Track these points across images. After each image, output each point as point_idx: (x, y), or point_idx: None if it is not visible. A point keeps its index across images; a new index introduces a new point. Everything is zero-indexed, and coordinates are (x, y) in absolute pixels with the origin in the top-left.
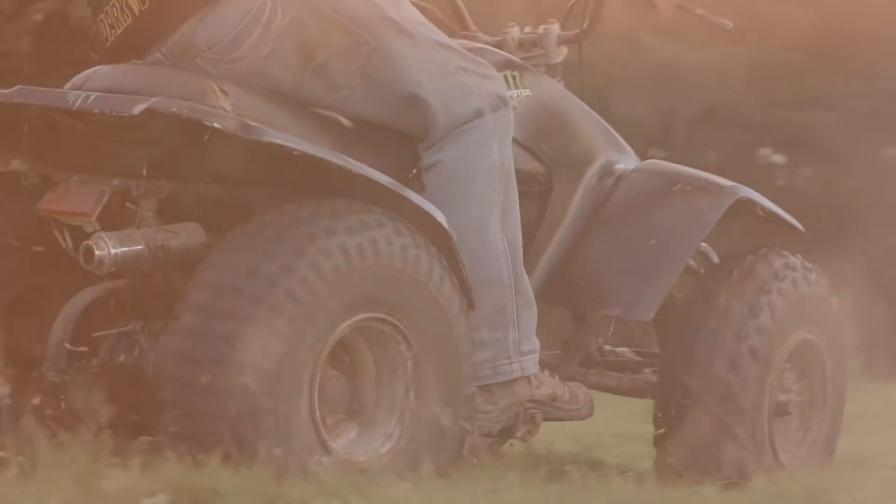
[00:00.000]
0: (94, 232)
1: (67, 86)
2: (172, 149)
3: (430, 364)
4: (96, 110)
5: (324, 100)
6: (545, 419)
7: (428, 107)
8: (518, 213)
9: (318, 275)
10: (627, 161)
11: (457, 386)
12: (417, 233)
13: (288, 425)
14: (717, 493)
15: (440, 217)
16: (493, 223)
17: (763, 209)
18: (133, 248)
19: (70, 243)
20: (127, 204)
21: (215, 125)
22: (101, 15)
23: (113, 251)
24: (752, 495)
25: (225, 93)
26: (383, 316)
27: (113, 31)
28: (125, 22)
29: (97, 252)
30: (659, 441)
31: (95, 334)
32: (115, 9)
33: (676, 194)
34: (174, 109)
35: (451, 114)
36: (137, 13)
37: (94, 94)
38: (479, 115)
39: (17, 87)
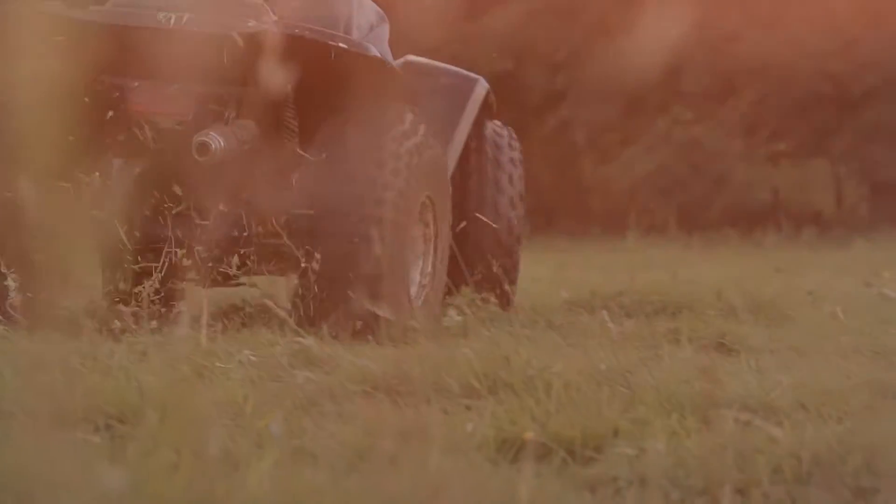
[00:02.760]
0: (178, 126)
1: (105, 10)
2: (235, 61)
3: (443, 232)
4: (195, 29)
5: None
6: None
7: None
8: None
9: (407, 165)
10: None
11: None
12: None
13: (403, 272)
14: None
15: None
16: None
17: (490, 96)
18: (228, 141)
19: (150, 136)
20: (212, 106)
21: (340, 45)
22: None
23: (221, 145)
24: None
25: (273, 12)
26: (430, 194)
27: None
28: None
29: (212, 145)
30: None
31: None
32: None
33: (447, 84)
34: (297, 32)
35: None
36: None
37: (185, 15)
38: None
39: (102, 7)
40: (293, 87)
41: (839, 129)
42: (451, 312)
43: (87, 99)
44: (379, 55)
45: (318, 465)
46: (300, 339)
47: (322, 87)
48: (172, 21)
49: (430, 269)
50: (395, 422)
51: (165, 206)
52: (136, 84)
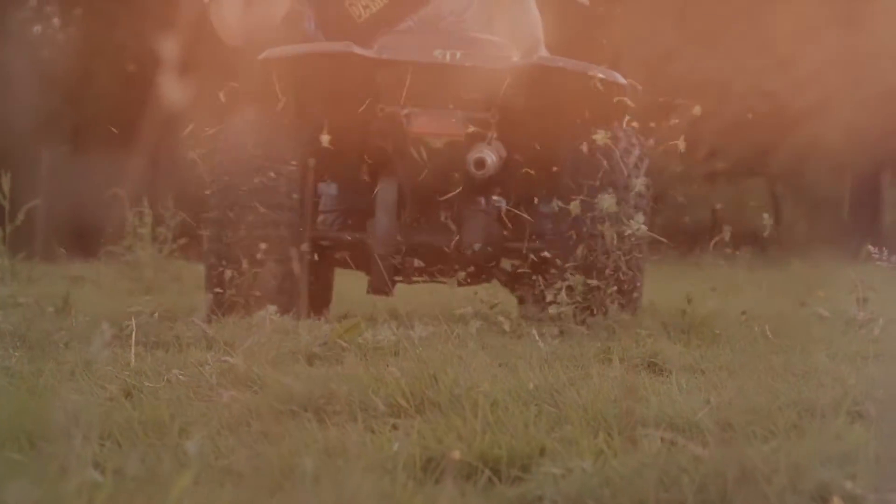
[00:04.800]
0: (447, 146)
1: (379, 49)
2: (485, 88)
3: None
4: (469, 64)
5: None
6: None
7: None
8: None
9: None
10: None
11: None
12: None
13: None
14: None
15: None
16: None
17: None
18: (497, 158)
19: (425, 156)
20: (476, 129)
21: (599, 76)
22: (350, 0)
23: (493, 160)
24: None
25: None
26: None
27: (367, 10)
28: (382, 2)
29: (488, 160)
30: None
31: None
32: None
33: None
34: (560, 64)
35: None
36: None
37: (458, 52)
38: None
39: (386, 47)
40: (550, 112)
41: (776, 147)
42: (385, 331)
43: (370, 124)
44: (627, 82)
45: (242, 485)
46: (227, 358)
47: (573, 112)
48: (448, 57)
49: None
50: (321, 441)
51: (430, 214)
52: (413, 110)
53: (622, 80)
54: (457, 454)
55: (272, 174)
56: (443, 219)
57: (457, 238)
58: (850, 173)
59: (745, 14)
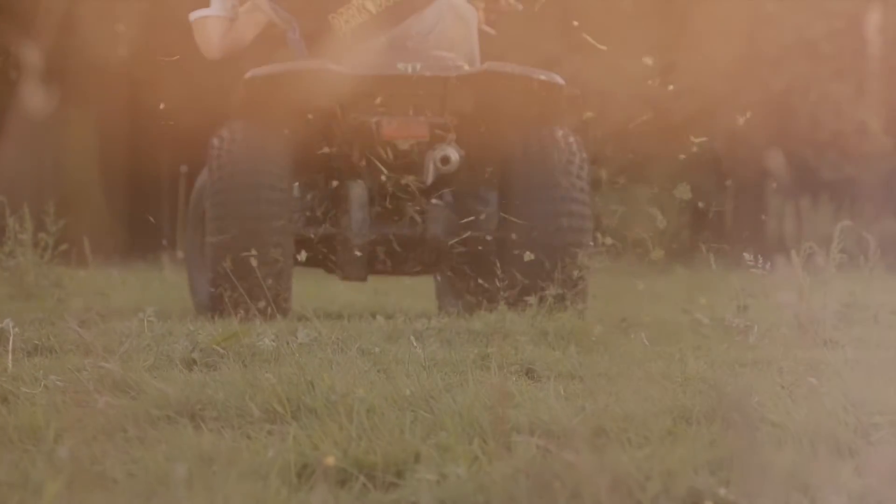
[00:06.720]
0: (413, 147)
1: (350, 66)
2: (455, 96)
3: None
4: (429, 74)
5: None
6: None
7: None
8: None
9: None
10: None
11: None
12: None
13: None
14: None
15: None
16: None
17: None
18: (459, 155)
19: (391, 155)
20: (437, 131)
21: (541, 77)
22: (333, 14)
23: (457, 157)
24: None
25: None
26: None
27: (348, 24)
28: (362, 18)
29: (452, 157)
30: None
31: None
32: (350, 9)
33: None
34: (508, 70)
35: None
36: (374, 13)
37: (419, 64)
38: None
39: (357, 63)
40: (498, 112)
41: (659, 155)
42: (267, 339)
43: (343, 129)
44: (563, 82)
45: (116, 490)
46: (105, 364)
47: (519, 112)
48: (410, 69)
49: None
50: (196, 447)
51: (397, 209)
52: (382, 117)
53: (561, 81)
54: (331, 460)
55: (262, 179)
56: (410, 212)
57: (422, 229)
58: (733, 180)
59: (628, 22)
